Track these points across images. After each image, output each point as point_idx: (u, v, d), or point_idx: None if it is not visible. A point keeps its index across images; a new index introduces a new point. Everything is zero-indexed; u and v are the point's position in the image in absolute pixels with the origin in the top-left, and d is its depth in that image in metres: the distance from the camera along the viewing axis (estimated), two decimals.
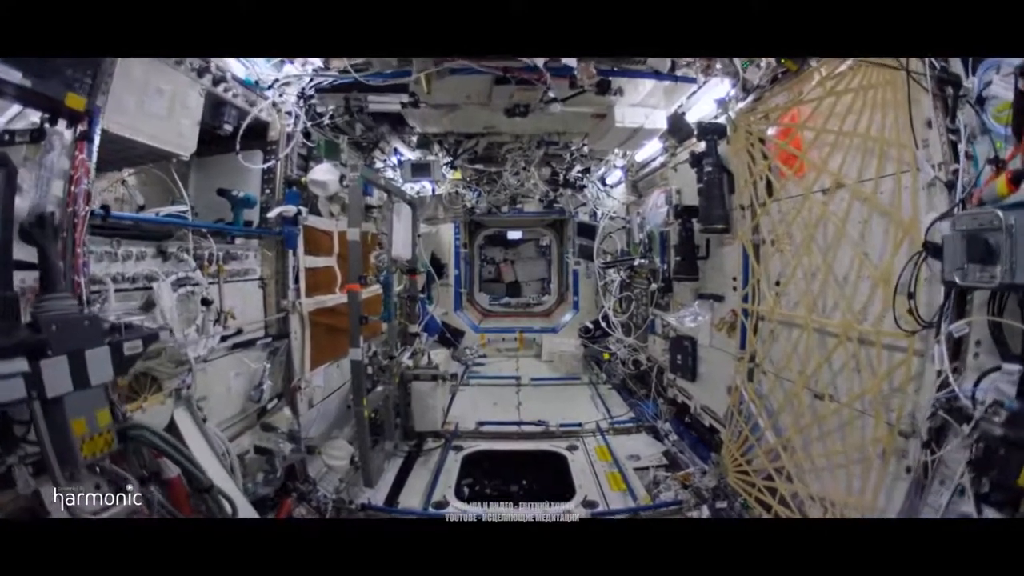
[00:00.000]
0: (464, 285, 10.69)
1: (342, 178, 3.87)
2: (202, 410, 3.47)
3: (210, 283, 3.39)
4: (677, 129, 5.28)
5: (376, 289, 5.49)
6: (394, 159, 6.56)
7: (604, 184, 8.31)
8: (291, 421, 4.10)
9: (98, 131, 2.66)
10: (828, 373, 3.21)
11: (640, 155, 6.95)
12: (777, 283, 3.59)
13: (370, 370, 5.56)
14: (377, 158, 6.35)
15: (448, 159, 6.16)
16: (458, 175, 7.61)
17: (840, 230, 2.97)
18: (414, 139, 6.19)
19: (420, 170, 5.56)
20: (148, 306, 3.10)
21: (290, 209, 3.83)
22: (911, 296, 2.52)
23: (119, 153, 3.23)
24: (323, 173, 3.88)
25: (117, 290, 2.87)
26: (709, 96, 4.42)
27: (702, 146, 4.53)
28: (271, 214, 3.82)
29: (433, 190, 7.76)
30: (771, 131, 3.66)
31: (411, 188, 7.40)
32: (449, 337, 9.52)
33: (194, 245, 3.39)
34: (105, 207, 2.80)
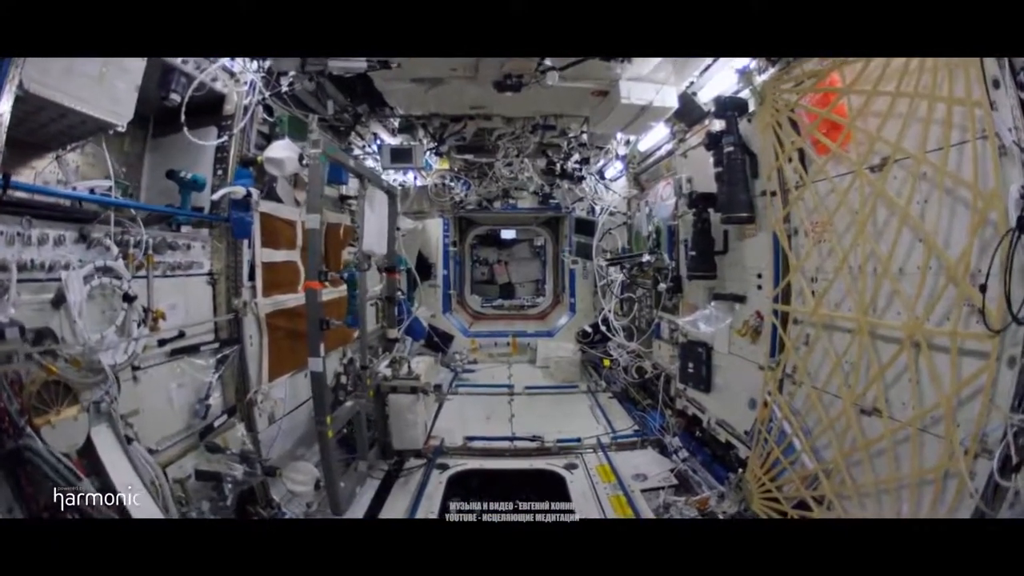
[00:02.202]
0: (454, 286, 10.22)
1: (302, 157, 3.35)
2: (132, 427, 2.98)
3: (135, 276, 2.87)
4: (688, 111, 4.87)
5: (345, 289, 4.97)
6: (375, 147, 6.07)
7: (603, 177, 7.88)
8: (245, 440, 3.59)
9: (8, 87, 2.30)
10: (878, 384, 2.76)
11: (643, 144, 6.55)
12: (814, 279, 3.13)
13: (344, 379, 5.07)
14: (355, 145, 5.86)
15: (433, 144, 5.65)
16: (445, 164, 7.12)
17: (904, 211, 2.50)
18: (396, 123, 5.70)
19: (401, 156, 5.05)
20: (60, 300, 2.61)
21: (238, 190, 3.31)
22: (983, 288, 2.13)
23: (53, 124, 2.83)
24: (280, 150, 3.36)
25: (28, 280, 2.44)
26: (728, 68, 3.98)
27: (717, 126, 4.11)
28: (215, 196, 3.31)
29: (415, 178, 7.24)
30: (806, 100, 3.21)
31: (394, 180, 6.91)
32: (437, 341, 9.03)
33: (121, 230, 2.89)
34: (5, 175, 2.33)
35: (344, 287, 4.67)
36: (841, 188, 2.91)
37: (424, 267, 9.45)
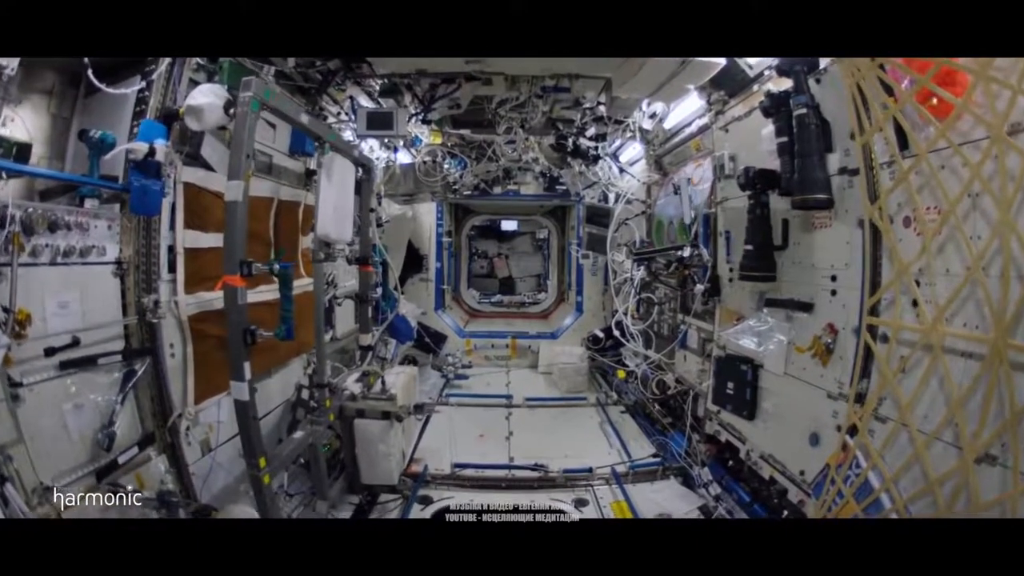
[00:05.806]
0: (448, 281, 9.55)
1: (230, 104, 2.59)
2: (11, 461, 2.43)
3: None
4: (730, 77, 4.18)
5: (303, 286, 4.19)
6: (354, 115, 5.35)
7: (617, 160, 7.17)
8: (165, 478, 2.90)
9: None
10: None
11: (669, 121, 5.86)
12: (917, 283, 2.43)
13: (307, 394, 4.39)
14: (329, 111, 5.15)
15: (420, 109, 4.91)
16: (437, 139, 6.38)
17: None
18: (377, 86, 4.98)
19: (379, 122, 4.35)
20: None
21: (139, 148, 2.57)
22: None
23: None
24: (202, 95, 2.61)
25: None
26: None
27: (771, 87, 3.45)
28: (107, 155, 2.59)
29: (395, 151, 6.48)
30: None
31: (378, 158, 6.19)
32: (428, 342, 8.35)
33: None
34: None
35: (307, 282, 3.94)
36: (957, 163, 2.21)
37: (415, 259, 8.78)
